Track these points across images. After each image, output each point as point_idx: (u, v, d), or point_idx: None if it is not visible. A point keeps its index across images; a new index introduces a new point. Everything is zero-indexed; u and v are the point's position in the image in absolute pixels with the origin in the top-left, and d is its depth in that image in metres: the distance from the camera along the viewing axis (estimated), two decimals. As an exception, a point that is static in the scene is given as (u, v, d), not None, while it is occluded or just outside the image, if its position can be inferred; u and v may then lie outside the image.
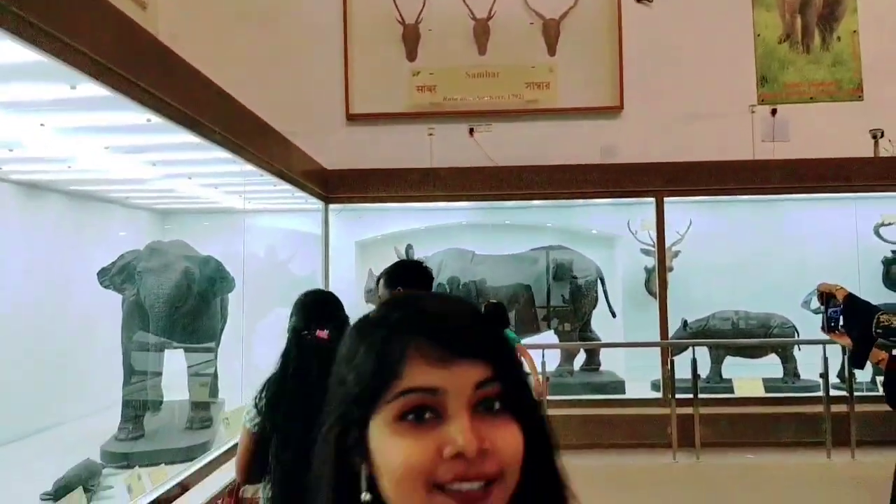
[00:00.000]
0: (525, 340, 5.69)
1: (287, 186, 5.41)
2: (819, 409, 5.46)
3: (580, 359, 6.84)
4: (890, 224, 6.32)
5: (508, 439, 0.63)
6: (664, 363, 5.79)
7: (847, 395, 5.43)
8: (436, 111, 6.83)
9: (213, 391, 5.37)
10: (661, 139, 6.45)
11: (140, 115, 3.12)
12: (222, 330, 5.57)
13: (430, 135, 6.75)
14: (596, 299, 6.72)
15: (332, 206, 6.34)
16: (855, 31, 6.69)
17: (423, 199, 6.50)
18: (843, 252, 6.54)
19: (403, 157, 6.44)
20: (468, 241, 6.99)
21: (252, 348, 6.63)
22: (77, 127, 3.52)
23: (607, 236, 7.55)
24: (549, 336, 6.58)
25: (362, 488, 0.64)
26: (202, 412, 5.09)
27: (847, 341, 2.58)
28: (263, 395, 2.13)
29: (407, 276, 2.47)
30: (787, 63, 6.71)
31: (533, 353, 5.05)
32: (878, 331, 2.41)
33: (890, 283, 6.42)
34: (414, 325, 0.65)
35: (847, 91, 6.62)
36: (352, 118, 6.84)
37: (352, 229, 7.44)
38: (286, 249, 7.12)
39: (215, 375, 5.39)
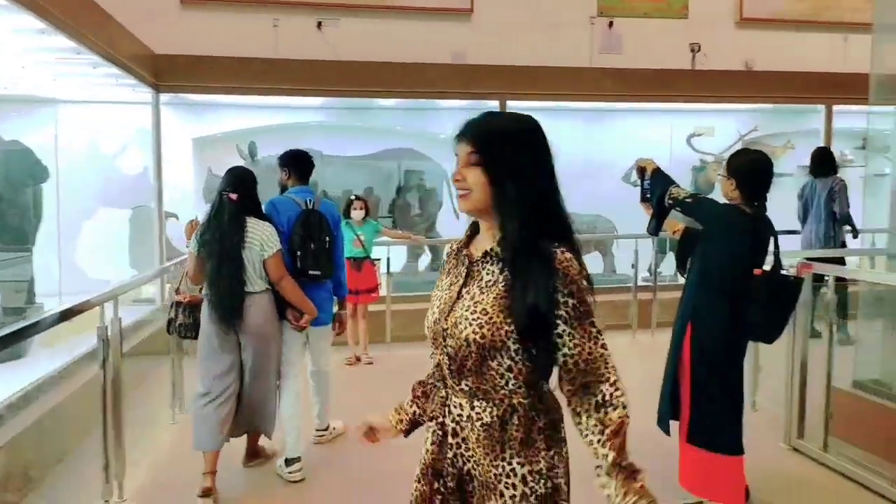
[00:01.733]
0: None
1: (109, 70, 4.85)
2: (629, 297, 6.22)
3: (424, 259, 7.15)
4: (701, 135, 7.07)
5: (475, 175, 1.35)
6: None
7: (652, 285, 6.23)
8: (282, 0, 6.40)
9: (30, 297, 4.94)
10: (508, 45, 6.57)
11: None
12: (36, 230, 5.07)
13: (276, 26, 6.35)
14: (441, 202, 6.94)
15: (163, 96, 5.82)
16: (685, -47, 7.13)
17: (266, 92, 6.17)
18: (660, 161, 7.23)
19: (245, 48, 6.02)
20: (318, 143, 6.80)
21: (74, 249, 6.11)
22: None
23: (456, 141, 7.71)
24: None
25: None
26: (17, 317, 4.68)
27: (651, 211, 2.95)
28: (199, 231, 3.18)
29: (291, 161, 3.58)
30: (624, -23, 7.04)
31: (379, 251, 5.53)
32: (669, 202, 2.78)
33: (697, 190, 7.26)
34: (462, 126, 1.40)
35: (676, 10, 7.12)
36: (186, 0, 6.22)
37: (189, 125, 6.93)
38: (111, 144, 6.49)
39: (32, 280, 4.94)
